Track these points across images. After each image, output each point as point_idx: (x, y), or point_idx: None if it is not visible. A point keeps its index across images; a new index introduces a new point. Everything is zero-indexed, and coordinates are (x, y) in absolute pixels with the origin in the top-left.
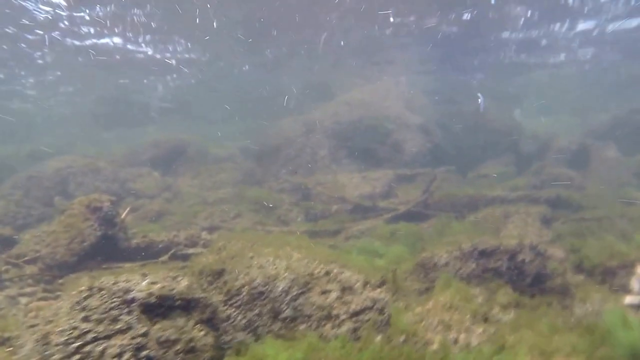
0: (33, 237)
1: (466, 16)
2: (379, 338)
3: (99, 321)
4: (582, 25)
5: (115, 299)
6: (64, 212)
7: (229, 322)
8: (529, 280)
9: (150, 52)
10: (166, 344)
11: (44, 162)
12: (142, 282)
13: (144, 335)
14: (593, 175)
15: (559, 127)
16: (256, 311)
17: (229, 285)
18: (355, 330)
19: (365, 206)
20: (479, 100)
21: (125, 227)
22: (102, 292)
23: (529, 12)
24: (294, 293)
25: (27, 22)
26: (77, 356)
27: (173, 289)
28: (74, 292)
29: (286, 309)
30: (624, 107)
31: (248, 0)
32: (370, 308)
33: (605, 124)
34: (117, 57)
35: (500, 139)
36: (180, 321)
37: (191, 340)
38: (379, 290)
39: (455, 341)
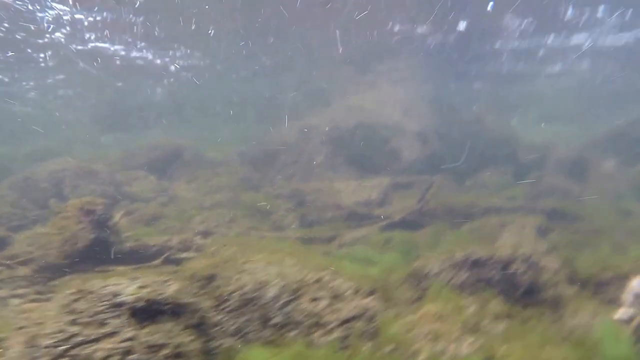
0: (27, 238)
1: (461, 26)
2: (367, 346)
3: (87, 324)
4: (577, 38)
5: (103, 303)
6: (57, 214)
7: (219, 327)
8: (521, 291)
9: (150, 57)
10: (154, 348)
11: (41, 163)
12: (131, 286)
13: (132, 339)
14: (591, 186)
15: (557, 137)
16: (246, 317)
17: (220, 290)
18: (344, 338)
19: (361, 213)
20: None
21: (119, 231)
22: (91, 295)
23: (524, 23)
24: (285, 299)
25: (32, 27)
26: (65, 359)
27: (162, 293)
28: (62, 295)
29: (276, 315)
30: (623, 119)
31: (246, 8)
32: (360, 316)
33: (604, 135)
34: (117, 62)
35: (499, 147)
36: (169, 326)
37: (179, 345)
38: (369, 298)
39: (444, 351)
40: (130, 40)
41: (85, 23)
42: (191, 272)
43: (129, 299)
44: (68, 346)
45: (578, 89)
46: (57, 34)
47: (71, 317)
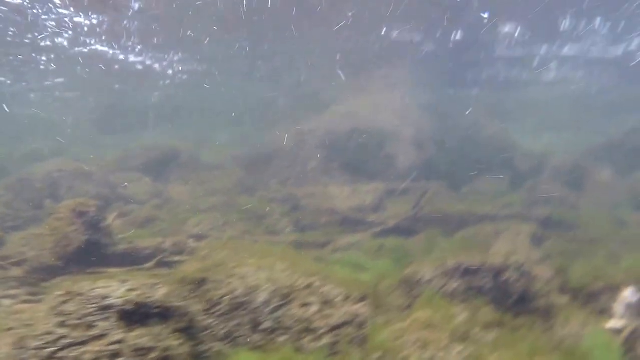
0: (21, 239)
1: (457, 34)
2: (356, 353)
3: (75, 327)
4: (571, 48)
5: (92, 305)
6: (51, 215)
7: (209, 331)
8: (513, 300)
9: (148, 62)
10: (142, 351)
11: (37, 164)
12: (120, 289)
13: (120, 342)
14: (587, 195)
15: (554, 145)
16: (236, 321)
17: (210, 294)
18: (334, 344)
19: (355, 219)
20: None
21: (111, 233)
22: (80, 297)
23: (519, 31)
24: (275, 304)
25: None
26: None
27: (151, 297)
28: (52, 297)
29: (266, 320)
30: (619, 128)
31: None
32: (350, 323)
33: (601, 144)
34: (116, 66)
35: (495, 154)
36: (157, 329)
37: (167, 348)
38: (360, 305)
39: (432, 359)
40: (129, 44)
41: (85, 29)
42: (182, 276)
43: (118, 301)
44: (56, 348)
45: (574, 98)
46: (59, 38)
47: (60, 319)
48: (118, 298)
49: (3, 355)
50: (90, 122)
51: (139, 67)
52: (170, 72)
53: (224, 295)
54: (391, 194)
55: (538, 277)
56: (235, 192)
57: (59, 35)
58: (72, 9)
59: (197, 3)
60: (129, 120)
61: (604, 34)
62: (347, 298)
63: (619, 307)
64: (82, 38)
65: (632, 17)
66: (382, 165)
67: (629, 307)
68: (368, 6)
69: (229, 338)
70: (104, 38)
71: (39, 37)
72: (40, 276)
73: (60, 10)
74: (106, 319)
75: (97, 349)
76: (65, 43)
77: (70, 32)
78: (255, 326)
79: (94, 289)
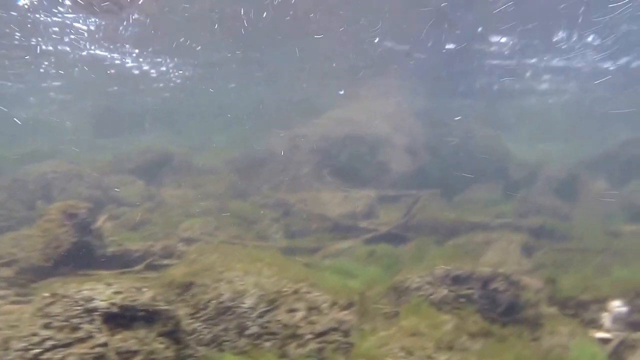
0: (11, 240)
1: (449, 44)
2: None
3: (60, 329)
4: (563, 60)
5: (77, 307)
6: (41, 216)
7: (194, 335)
8: (501, 309)
9: (145, 66)
10: (126, 354)
11: (31, 165)
12: (105, 291)
13: (104, 345)
14: (580, 206)
15: (548, 155)
16: (222, 326)
17: (197, 298)
18: (319, 350)
19: (346, 225)
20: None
21: (102, 235)
22: (65, 299)
23: (511, 43)
24: (261, 310)
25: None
26: None
27: (136, 300)
28: (38, 298)
29: (252, 325)
30: (613, 139)
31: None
32: (336, 329)
33: (595, 155)
34: (113, 70)
35: (489, 164)
36: (142, 332)
37: (152, 352)
38: (346, 311)
39: None
40: (126, 47)
41: (85, 34)
42: (170, 279)
43: (103, 304)
44: (40, 350)
45: (567, 108)
46: (61, 43)
47: (45, 321)
48: (103, 301)
49: None
50: (86, 125)
51: (136, 71)
52: (166, 75)
53: (211, 300)
54: (383, 201)
55: (527, 286)
56: (227, 197)
57: (61, 39)
58: (74, 13)
59: (192, 11)
60: (125, 123)
61: (596, 46)
62: (333, 304)
63: (607, 318)
64: (81, 42)
65: (621, 35)
66: (375, 172)
67: (617, 318)
68: (361, 17)
69: (215, 342)
70: (102, 42)
71: (41, 41)
72: (29, 277)
73: (66, 15)
74: (91, 321)
75: (81, 351)
76: (67, 48)
77: (72, 37)
78: (241, 331)
79: (79, 291)
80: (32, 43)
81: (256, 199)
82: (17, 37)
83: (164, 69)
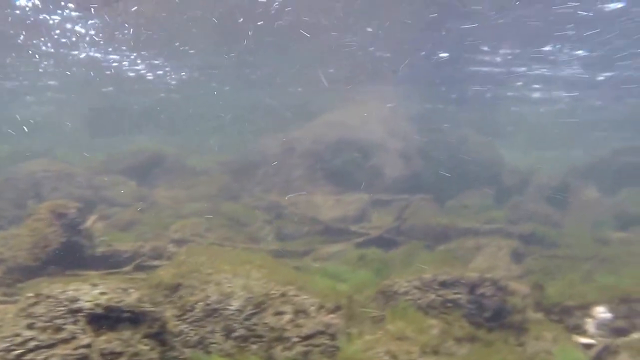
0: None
1: (443, 52)
2: None
3: (43, 329)
4: (555, 70)
5: (61, 308)
6: (30, 216)
7: (181, 337)
8: (488, 315)
9: (141, 68)
10: (110, 356)
11: (22, 164)
12: (90, 292)
13: (88, 346)
14: (571, 214)
15: (541, 162)
16: (209, 328)
17: (184, 300)
18: (305, 354)
19: (338, 229)
20: None
21: (91, 235)
22: (49, 299)
23: (504, 52)
24: (248, 312)
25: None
26: None
27: (122, 301)
28: (22, 298)
29: (239, 327)
30: (605, 148)
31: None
32: (322, 333)
33: (587, 163)
34: (109, 72)
35: (482, 170)
36: (127, 334)
37: (136, 354)
38: (333, 315)
39: None
40: (123, 49)
41: (87, 38)
42: (157, 281)
43: (88, 305)
44: (22, 351)
45: (560, 117)
46: (61, 43)
47: (28, 321)
48: (88, 301)
49: None
50: (81, 124)
51: (131, 73)
52: (162, 78)
53: (198, 302)
54: (376, 205)
55: (514, 292)
56: (219, 198)
57: (58, 39)
58: (75, 13)
59: (189, 14)
60: (120, 124)
61: (584, 58)
62: (321, 308)
63: (591, 324)
64: (79, 43)
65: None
66: (368, 176)
67: (601, 324)
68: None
69: (201, 344)
70: (100, 42)
71: (43, 42)
72: (16, 277)
73: (64, 15)
74: (75, 322)
75: (64, 352)
76: (66, 49)
77: (73, 39)
78: (228, 333)
79: (64, 291)
80: (26, 41)
81: (248, 201)
82: (12, 34)
83: (160, 72)
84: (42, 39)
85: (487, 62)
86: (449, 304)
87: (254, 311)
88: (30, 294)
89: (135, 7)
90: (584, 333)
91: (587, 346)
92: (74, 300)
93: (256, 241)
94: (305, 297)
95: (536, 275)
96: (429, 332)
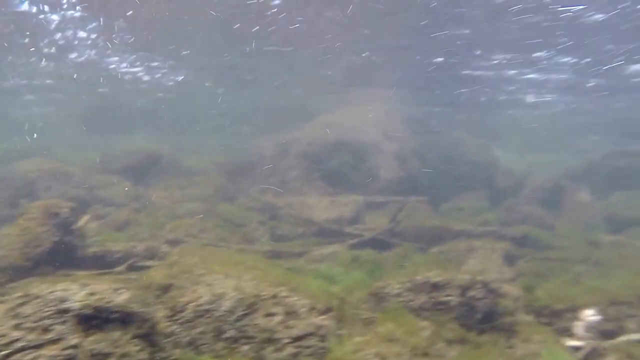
0: None
1: (438, 57)
2: None
3: (31, 330)
4: (549, 75)
5: (49, 308)
6: (22, 215)
7: (171, 338)
8: (479, 317)
9: (139, 69)
10: (98, 357)
11: (16, 163)
12: (79, 292)
13: (76, 346)
14: (564, 216)
15: (535, 165)
16: (200, 329)
17: (175, 301)
18: (295, 355)
19: (332, 230)
20: None
21: (83, 235)
22: (38, 300)
23: (499, 57)
24: (239, 313)
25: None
26: None
27: (111, 301)
28: (8, 298)
29: (230, 328)
30: (598, 151)
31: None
32: (313, 334)
33: (580, 166)
34: (107, 72)
35: (477, 172)
36: (116, 334)
37: (125, 354)
38: (324, 316)
39: None
40: (121, 50)
41: (89, 41)
42: (149, 281)
43: (76, 305)
44: (9, 351)
45: (555, 121)
46: (61, 43)
47: (15, 322)
48: (77, 302)
49: None
50: (78, 124)
51: (128, 76)
52: (160, 78)
53: (189, 302)
54: (370, 207)
55: (505, 295)
56: (215, 199)
57: (60, 42)
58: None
59: (186, 17)
60: (118, 124)
61: (573, 64)
62: (312, 309)
63: (579, 326)
64: (78, 44)
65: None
66: (364, 178)
67: (589, 327)
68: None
69: (192, 345)
70: (98, 42)
71: (45, 43)
72: (8, 277)
73: (62, 14)
74: (63, 322)
75: (51, 353)
76: (63, 50)
77: (76, 42)
78: (218, 334)
79: (52, 291)
80: (25, 41)
81: (244, 201)
82: (12, 34)
83: (158, 75)
84: (42, 41)
85: (481, 67)
86: (441, 306)
87: (245, 312)
88: (18, 294)
89: (131, 12)
90: (572, 336)
91: (576, 349)
92: (63, 300)
93: (251, 242)
94: (296, 298)
95: (528, 277)
96: (419, 334)
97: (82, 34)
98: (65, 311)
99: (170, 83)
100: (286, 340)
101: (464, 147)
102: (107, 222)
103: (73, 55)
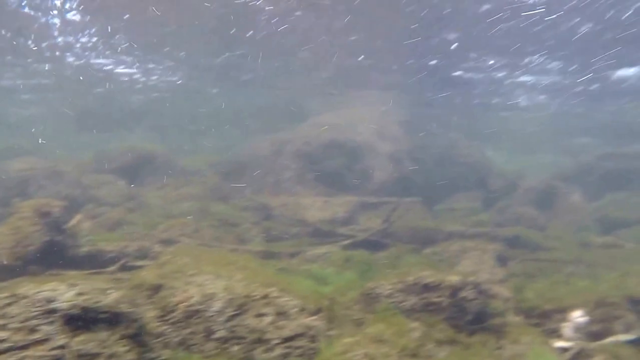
0: None
1: (431, 60)
2: None
3: (17, 330)
4: (540, 79)
5: (36, 308)
6: (13, 214)
7: (161, 339)
8: (469, 318)
9: (135, 69)
10: (85, 357)
11: (9, 162)
12: (67, 293)
13: (63, 347)
14: (557, 217)
15: (528, 167)
16: (190, 329)
17: (165, 301)
18: (285, 356)
19: (325, 230)
20: None
21: (75, 235)
22: (25, 300)
23: (490, 60)
24: (229, 314)
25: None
26: None
27: (100, 302)
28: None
29: (220, 329)
30: (590, 153)
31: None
32: (303, 335)
33: (572, 168)
34: (103, 73)
35: (471, 173)
36: (104, 335)
37: (113, 355)
38: (314, 317)
39: None
40: (118, 50)
41: (88, 44)
42: (139, 281)
43: (64, 305)
44: None
45: (547, 123)
46: (60, 45)
47: (1, 322)
48: (64, 302)
49: None
50: (72, 123)
51: (124, 78)
52: (155, 78)
53: (180, 302)
54: (364, 208)
55: (496, 296)
56: (209, 199)
57: (58, 44)
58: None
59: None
60: (113, 123)
61: (561, 69)
62: (302, 310)
63: (567, 328)
64: (75, 44)
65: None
66: (358, 179)
67: (577, 328)
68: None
69: (182, 346)
70: (100, 49)
71: (45, 46)
72: None
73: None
74: (50, 323)
75: (38, 354)
76: (60, 51)
77: (77, 47)
78: (208, 335)
79: (40, 291)
80: (21, 41)
81: (238, 202)
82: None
83: (154, 77)
84: (38, 41)
85: (474, 69)
86: (432, 307)
87: (235, 313)
88: (5, 294)
89: (128, 16)
90: (561, 337)
91: (564, 350)
92: (50, 300)
93: (244, 242)
94: (287, 299)
95: (518, 278)
96: (409, 335)
97: (80, 36)
98: (52, 311)
99: (164, 84)
100: (276, 341)
101: (457, 148)
102: (100, 221)
103: (70, 56)
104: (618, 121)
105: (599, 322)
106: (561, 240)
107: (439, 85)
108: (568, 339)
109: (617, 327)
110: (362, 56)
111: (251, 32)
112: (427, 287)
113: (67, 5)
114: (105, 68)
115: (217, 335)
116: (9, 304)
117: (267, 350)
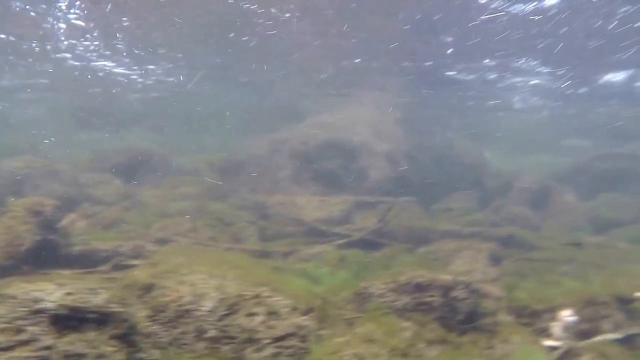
0: None
1: (426, 60)
2: None
3: (3, 331)
4: (534, 80)
5: (23, 309)
6: (4, 213)
7: (151, 338)
8: (461, 317)
9: (133, 69)
10: (73, 357)
11: (4, 160)
12: (55, 293)
13: (49, 347)
14: (551, 217)
15: (523, 167)
16: (181, 329)
17: (157, 300)
18: (276, 355)
19: (321, 230)
20: None
21: (68, 233)
22: (12, 300)
23: (486, 61)
24: (221, 313)
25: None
26: None
27: (88, 301)
28: None
29: (211, 328)
30: (585, 153)
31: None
32: (294, 334)
33: (567, 168)
34: (102, 73)
35: (467, 173)
36: (92, 335)
37: (101, 355)
38: (305, 317)
39: None
40: (116, 50)
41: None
42: (132, 280)
43: (51, 305)
44: None
45: (543, 124)
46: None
47: None
48: (52, 302)
49: None
50: (70, 123)
51: (122, 78)
52: (154, 80)
53: (171, 302)
54: (360, 207)
55: (488, 295)
56: (205, 198)
57: (57, 43)
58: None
59: (180, 20)
60: (110, 123)
61: (552, 72)
62: (294, 309)
63: (556, 327)
64: (72, 45)
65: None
66: (354, 178)
67: (566, 327)
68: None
69: (172, 346)
70: (101, 51)
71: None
72: None
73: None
74: (37, 323)
75: (23, 354)
76: (67, 54)
77: (80, 49)
78: (199, 334)
79: (28, 291)
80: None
81: (234, 201)
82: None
83: (153, 77)
84: (36, 41)
85: (469, 70)
86: (423, 307)
87: (226, 312)
88: None
89: (126, 18)
90: (550, 336)
91: (553, 349)
92: (38, 300)
93: (239, 241)
94: (278, 298)
95: (511, 278)
96: (400, 335)
97: (80, 37)
98: (39, 311)
99: (163, 85)
100: (267, 341)
101: (454, 148)
102: (96, 220)
103: (70, 57)
104: (610, 123)
105: (588, 321)
106: (555, 240)
107: (434, 85)
108: (557, 338)
109: (605, 326)
110: (359, 59)
111: (247, 37)
112: (419, 287)
113: (72, 10)
114: (105, 68)
115: (208, 334)
116: None
117: (257, 350)
